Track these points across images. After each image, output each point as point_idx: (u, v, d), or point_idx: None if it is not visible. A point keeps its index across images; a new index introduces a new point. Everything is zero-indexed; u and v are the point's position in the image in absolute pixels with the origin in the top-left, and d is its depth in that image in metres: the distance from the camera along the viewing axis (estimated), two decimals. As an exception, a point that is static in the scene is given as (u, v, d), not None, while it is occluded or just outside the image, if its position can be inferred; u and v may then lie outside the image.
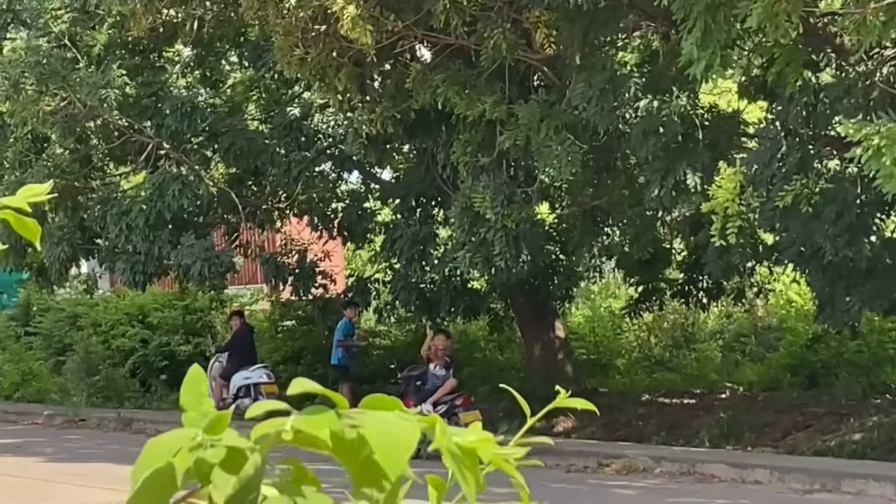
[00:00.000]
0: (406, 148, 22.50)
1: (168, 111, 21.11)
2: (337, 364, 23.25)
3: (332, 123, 22.86)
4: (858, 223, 14.60)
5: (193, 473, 1.19)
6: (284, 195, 22.78)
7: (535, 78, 17.85)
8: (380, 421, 1.19)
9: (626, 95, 15.81)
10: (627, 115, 16.07)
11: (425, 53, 18.82)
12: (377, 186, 23.99)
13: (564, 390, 1.63)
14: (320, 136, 23.00)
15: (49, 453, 20.22)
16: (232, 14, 20.26)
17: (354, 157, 21.03)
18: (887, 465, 15.37)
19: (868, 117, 12.19)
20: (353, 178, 24.64)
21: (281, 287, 24.65)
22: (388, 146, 20.85)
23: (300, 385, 1.26)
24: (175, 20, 20.42)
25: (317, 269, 23.58)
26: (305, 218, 23.33)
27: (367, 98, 18.01)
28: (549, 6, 15.54)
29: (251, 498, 1.15)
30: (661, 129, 15.61)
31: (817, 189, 14.19)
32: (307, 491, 1.19)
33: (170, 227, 21.15)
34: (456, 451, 1.21)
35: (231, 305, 27.97)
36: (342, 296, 24.35)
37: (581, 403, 1.61)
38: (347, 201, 23.48)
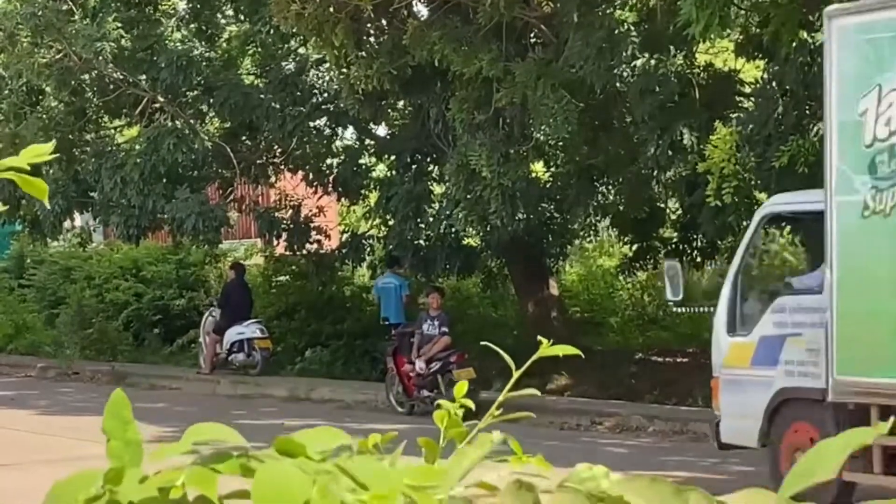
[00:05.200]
0: (401, 104, 22.41)
1: (163, 64, 21.02)
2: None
3: (328, 79, 22.73)
4: (854, 184, 14.56)
5: None
6: (279, 150, 22.73)
7: (532, 36, 17.77)
8: (270, 473, 1.16)
9: (624, 54, 15.76)
10: (624, 74, 16.02)
11: (422, 10, 18.74)
12: (372, 142, 23.90)
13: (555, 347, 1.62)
14: (316, 91, 22.90)
15: (42, 406, 20.24)
16: (228, -33, 20.17)
17: (350, 113, 20.95)
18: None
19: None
20: (348, 134, 24.55)
21: (275, 242, 24.62)
22: (383, 102, 20.76)
23: None
24: (171, -27, 20.34)
25: (311, 225, 23.55)
26: (300, 173, 23.29)
27: (364, 54, 17.94)
28: (547, -37, 15.48)
29: None
30: (658, 88, 15.58)
31: (813, 149, 14.16)
32: None
33: (164, 180, 21.11)
34: None
35: (225, 260, 27.94)
36: (336, 251, 24.29)
37: (565, 350, 1.59)
38: (342, 157, 23.42)
